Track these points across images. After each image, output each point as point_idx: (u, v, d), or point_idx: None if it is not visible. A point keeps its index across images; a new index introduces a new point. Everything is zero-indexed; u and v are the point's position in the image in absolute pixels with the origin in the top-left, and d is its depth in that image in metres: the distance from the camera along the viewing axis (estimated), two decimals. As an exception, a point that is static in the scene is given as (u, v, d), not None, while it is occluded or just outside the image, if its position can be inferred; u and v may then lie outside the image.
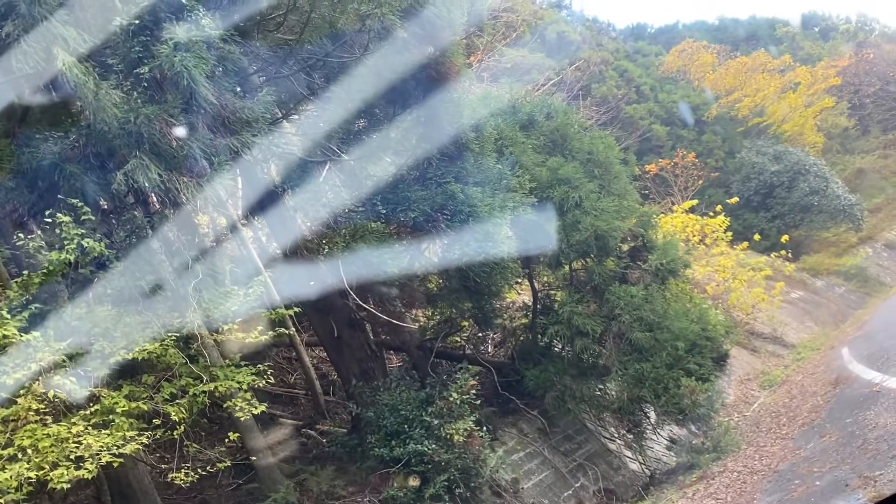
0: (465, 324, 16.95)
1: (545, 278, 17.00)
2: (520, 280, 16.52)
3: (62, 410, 8.35)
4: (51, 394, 7.86)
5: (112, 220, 9.63)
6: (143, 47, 8.64)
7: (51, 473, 7.40)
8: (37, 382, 7.78)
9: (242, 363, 9.92)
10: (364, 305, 12.89)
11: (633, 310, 14.59)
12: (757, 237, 32.66)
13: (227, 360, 9.97)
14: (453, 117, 12.58)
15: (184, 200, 9.17)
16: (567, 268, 15.96)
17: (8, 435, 7.63)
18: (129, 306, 9.09)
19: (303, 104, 11.80)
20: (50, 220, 8.41)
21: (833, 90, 45.00)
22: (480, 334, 17.81)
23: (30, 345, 7.81)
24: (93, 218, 8.81)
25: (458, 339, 17.52)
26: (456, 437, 12.11)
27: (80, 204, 8.60)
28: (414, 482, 12.02)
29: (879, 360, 16.51)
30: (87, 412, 8.19)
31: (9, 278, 9.36)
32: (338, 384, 15.79)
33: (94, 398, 8.40)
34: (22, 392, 7.74)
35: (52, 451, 7.56)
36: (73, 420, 7.99)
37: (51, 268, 8.43)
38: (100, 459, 7.76)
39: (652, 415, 15.29)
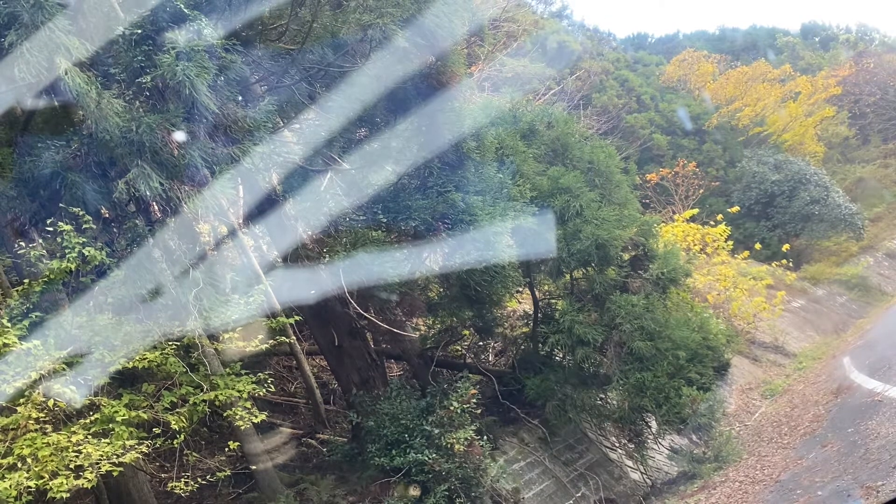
0: (466, 332, 16.95)
1: (546, 287, 17.01)
2: (521, 289, 16.52)
3: (62, 419, 8.33)
4: (50, 402, 7.84)
5: (113, 229, 9.63)
6: (145, 56, 8.67)
7: (50, 482, 7.37)
8: (37, 391, 7.77)
9: (243, 372, 9.90)
10: (364, 314, 12.88)
11: (634, 319, 14.59)
12: (758, 246, 32.72)
13: (227, 369, 9.96)
14: (454, 126, 12.59)
15: (185, 209, 9.18)
16: (568, 276, 15.97)
17: (7, 444, 7.61)
18: (129, 315, 9.08)
19: (304, 113, 11.82)
20: (51, 228, 8.41)
21: (833, 100, 45.14)
22: (481, 343, 17.80)
23: (30, 353, 7.80)
24: (94, 226, 8.82)
25: (458, 347, 17.50)
26: (456, 447, 12.07)
27: (81, 212, 8.61)
28: (414, 492, 11.99)
29: (881, 369, 16.49)
30: (87, 421, 8.16)
31: (10, 286, 9.36)
32: (338, 393, 15.76)
33: (93, 407, 8.38)
34: (22, 401, 7.72)
35: (52, 460, 7.54)
36: (72, 429, 7.97)
37: (52, 276, 8.43)
38: (99, 468, 7.73)
39: (653, 424, 15.27)
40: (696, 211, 30.84)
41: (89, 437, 7.94)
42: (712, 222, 29.23)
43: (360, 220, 12.65)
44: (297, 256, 12.79)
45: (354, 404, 13.40)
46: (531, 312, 16.85)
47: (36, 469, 7.42)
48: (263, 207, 12.03)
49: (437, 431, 12.17)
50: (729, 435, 15.74)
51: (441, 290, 15.30)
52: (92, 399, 8.37)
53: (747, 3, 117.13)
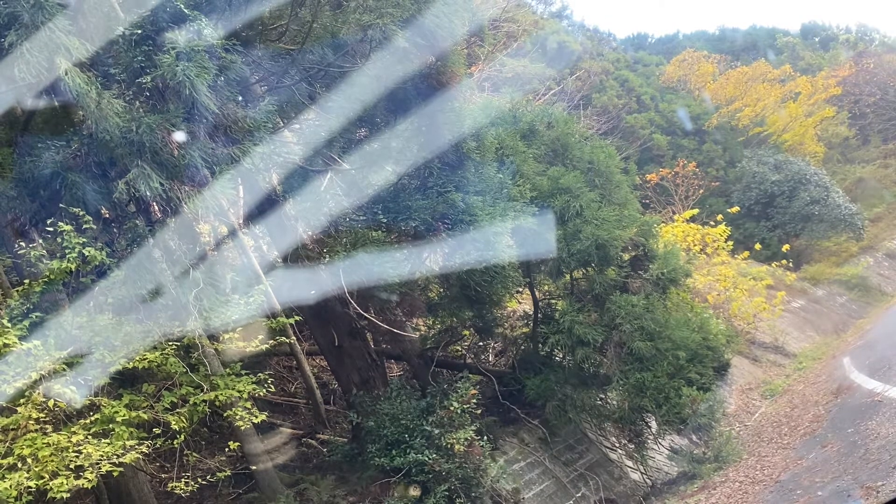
0: (466, 333, 16.94)
1: (546, 287, 17.01)
2: (521, 289, 16.52)
3: (62, 419, 8.33)
4: (51, 402, 7.84)
5: (113, 229, 9.63)
6: (146, 57, 8.67)
7: (50, 483, 7.37)
8: (37, 391, 7.77)
9: (243, 372, 9.90)
10: (365, 314, 12.88)
11: (634, 319, 14.59)
12: (758, 246, 32.72)
13: (227, 369, 9.96)
14: (454, 126, 12.59)
15: (185, 209, 9.18)
16: (568, 277, 15.97)
17: (8, 444, 7.61)
18: (129, 315, 9.08)
19: (304, 113, 11.82)
20: (51, 228, 8.42)
21: (833, 100, 45.14)
22: (481, 343, 17.79)
23: (30, 353, 7.80)
24: (94, 226, 8.82)
25: (458, 348, 17.50)
26: (456, 447, 12.07)
27: (81, 212, 8.61)
28: (414, 492, 11.99)
29: (881, 369, 16.49)
30: (87, 421, 8.17)
31: (10, 287, 9.37)
32: (338, 393, 15.76)
33: (94, 407, 8.38)
34: (22, 401, 7.72)
35: (52, 461, 7.54)
36: (73, 429, 7.98)
37: (52, 276, 8.43)
38: (100, 468, 7.73)
39: (653, 424, 15.26)
40: (696, 211, 30.83)
41: (89, 437, 7.95)
42: (712, 222, 29.23)
43: (360, 220, 12.64)
44: (297, 256, 12.79)
45: (354, 404, 13.41)
46: (531, 312, 16.85)
47: (36, 469, 7.42)
48: (263, 207, 12.02)
49: (437, 432, 12.17)
50: (729, 435, 15.74)
51: (441, 290, 15.30)
52: (92, 399, 8.37)
53: (747, 3, 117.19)
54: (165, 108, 8.79)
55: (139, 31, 8.67)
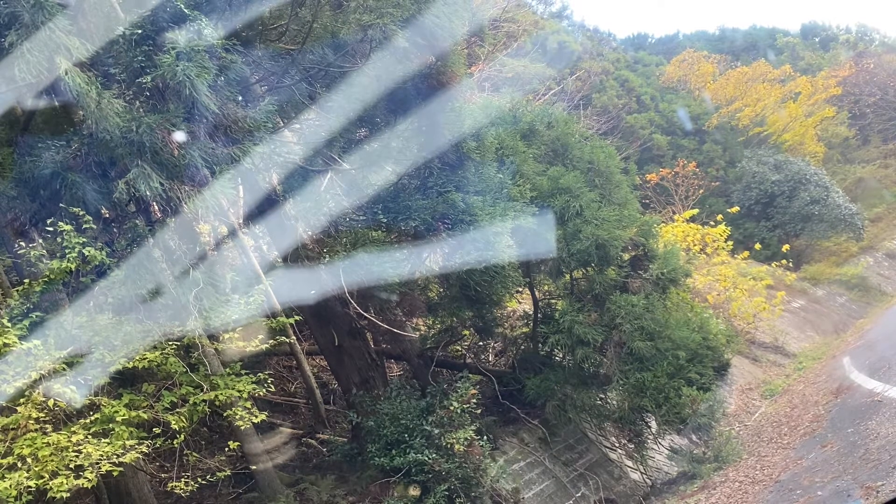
0: (466, 332, 16.95)
1: (546, 287, 17.02)
2: (520, 289, 16.52)
3: (62, 419, 8.33)
4: (51, 402, 7.84)
5: (113, 229, 9.63)
6: (146, 56, 8.66)
7: (50, 482, 7.37)
8: (37, 391, 7.77)
9: (243, 372, 9.91)
10: (364, 314, 12.87)
11: (634, 319, 14.59)
12: (758, 246, 32.74)
13: (227, 369, 9.96)
14: (454, 126, 12.60)
15: (185, 209, 9.18)
16: (568, 277, 15.97)
17: (8, 443, 7.61)
18: (129, 314, 9.07)
19: (304, 113, 11.82)
20: (51, 228, 8.41)
21: (833, 100, 45.19)
22: (481, 343, 17.80)
23: (30, 353, 7.80)
24: (94, 226, 8.81)
25: (458, 347, 17.51)
26: (456, 447, 12.07)
27: (81, 212, 8.61)
28: (414, 492, 11.99)
29: (881, 369, 16.49)
30: (87, 421, 8.16)
31: (10, 286, 9.37)
32: (338, 393, 15.77)
33: (94, 407, 8.38)
34: (22, 400, 7.72)
35: (52, 460, 7.54)
36: (72, 429, 7.98)
37: (52, 276, 8.43)
38: (99, 468, 7.73)
39: (653, 424, 15.27)
40: (696, 211, 30.85)
41: (89, 437, 7.94)
42: (712, 222, 29.24)
43: (360, 220, 12.65)
44: (297, 256, 12.79)
45: (354, 404, 13.41)
46: (531, 312, 16.85)
47: (36, 469, 7.42)
48: (263, 207, 12.02)
49: (437, 431, 12.17)
50: (729, 435, 15.75)
51: (441, 290, 15.30)
52: (92, 399, 8.37)
53: (747, 3, 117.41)
54: (165, 107, 8.79)
55: (139, 31, 8.67)
